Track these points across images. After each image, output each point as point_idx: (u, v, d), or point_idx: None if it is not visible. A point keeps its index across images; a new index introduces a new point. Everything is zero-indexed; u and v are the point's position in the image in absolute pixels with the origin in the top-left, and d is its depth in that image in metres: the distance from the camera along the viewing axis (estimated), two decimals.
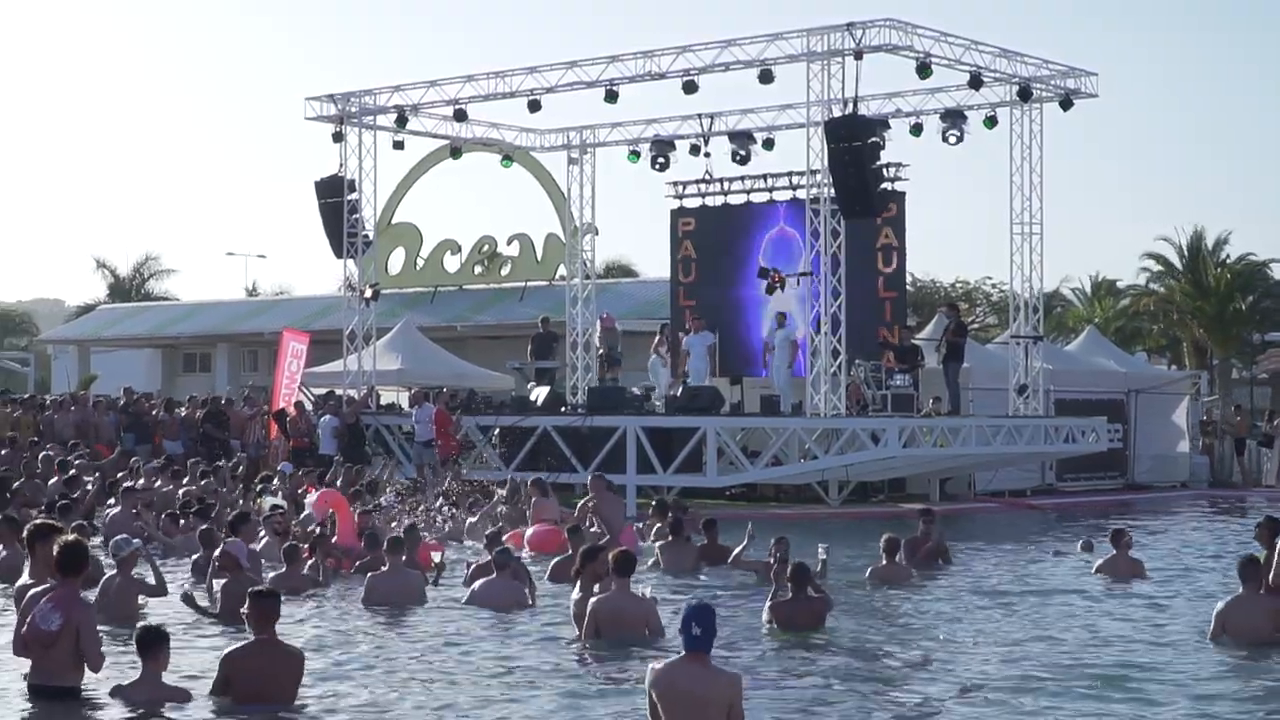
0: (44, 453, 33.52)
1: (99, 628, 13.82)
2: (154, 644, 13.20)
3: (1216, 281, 73.91)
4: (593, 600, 17.20)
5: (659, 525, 26.98)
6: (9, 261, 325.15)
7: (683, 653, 11.62)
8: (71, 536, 13.93)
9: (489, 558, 21.75)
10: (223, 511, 26.21)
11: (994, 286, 74.23)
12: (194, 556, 22.47)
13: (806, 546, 22.28)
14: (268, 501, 28.78)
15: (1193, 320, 74.34)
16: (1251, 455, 48.83)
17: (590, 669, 16.04)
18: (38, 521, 16.17)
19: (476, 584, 20.31)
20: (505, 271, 61.82)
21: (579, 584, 18.12)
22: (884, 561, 23.06)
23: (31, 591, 14.03)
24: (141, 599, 18.77)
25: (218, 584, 19.07)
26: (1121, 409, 44.76)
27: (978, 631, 18.94)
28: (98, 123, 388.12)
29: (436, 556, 23.19)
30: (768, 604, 18.60)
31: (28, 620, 13.38)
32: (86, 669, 13.39)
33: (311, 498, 26.78)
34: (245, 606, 13.59)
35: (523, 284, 60.73)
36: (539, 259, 60.01)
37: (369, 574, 20.61)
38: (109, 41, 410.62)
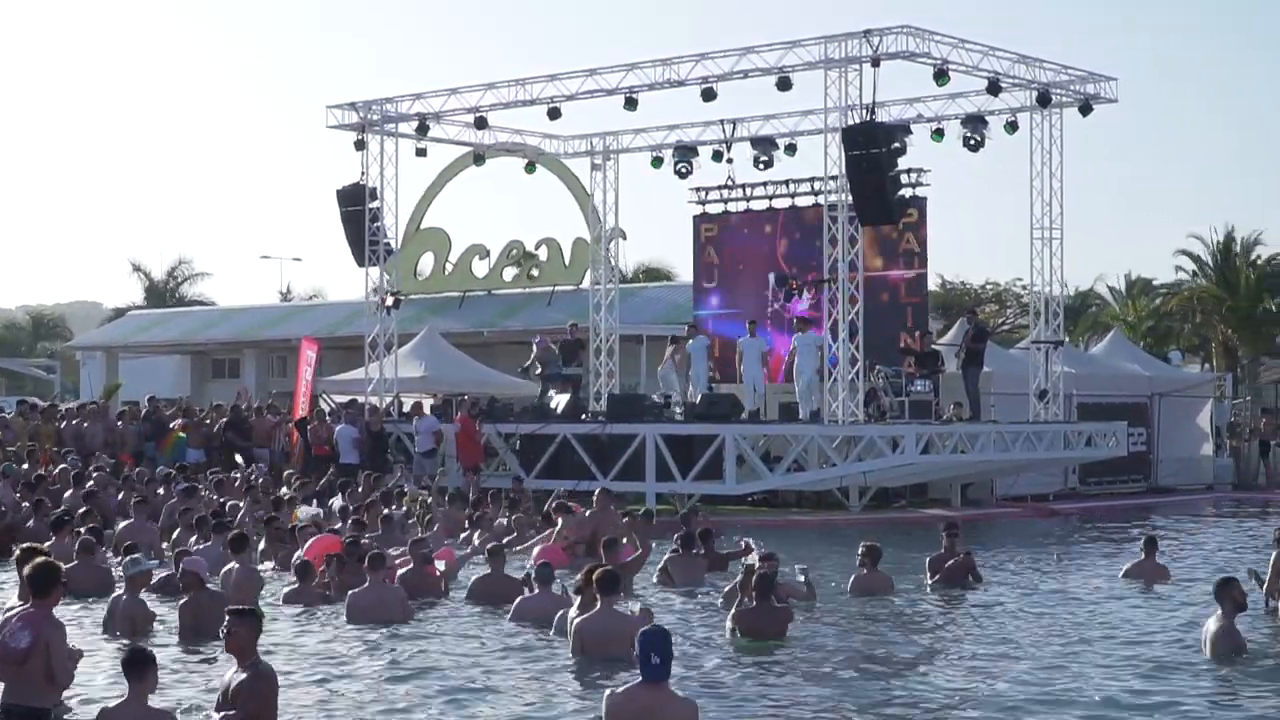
0: (62, 465, 33.38)
1: (116, 644, 13.80)
2: (141, 665, 13.14)
3: (1246, 281, 73.68)
4: (578, 620, 17.07)
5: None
6: (46, 264, 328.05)
7: (640, 679, 11.62)
8: (42, 559, 14.07)
9: (489, 569, 21.87)
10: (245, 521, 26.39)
11: (1024, 288, 74.12)
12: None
13: (820, 554, 22.23)
14: (302, 511, 28.80)
15: (1220, 320, 74.10)
16: (1276, 457, 48.55)
17: (569, 687, 15.87)
18: (24, 546, 16.45)
19: (518, 600, 19.96)
20: (534, 274, 61.86)
21: (579, 601, 17.93)
22: (864, 571, 22.67)
23: (7, 613, 14.27)
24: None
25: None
26: (1144, 412, 44.68)
27: (965, 635, 19.13)
28: (135, 127, 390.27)
29: (441, 565, 22.98)
30: (731, 612, 18.60)
31: None
32: (62, 692, 13.52)
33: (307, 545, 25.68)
34: (227, 627, 13.54)
35: (550, 289, 60.81)
36: (567, 263, 60.02)
37: (349, 591, 20.40)
38: (144, 49, 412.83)
